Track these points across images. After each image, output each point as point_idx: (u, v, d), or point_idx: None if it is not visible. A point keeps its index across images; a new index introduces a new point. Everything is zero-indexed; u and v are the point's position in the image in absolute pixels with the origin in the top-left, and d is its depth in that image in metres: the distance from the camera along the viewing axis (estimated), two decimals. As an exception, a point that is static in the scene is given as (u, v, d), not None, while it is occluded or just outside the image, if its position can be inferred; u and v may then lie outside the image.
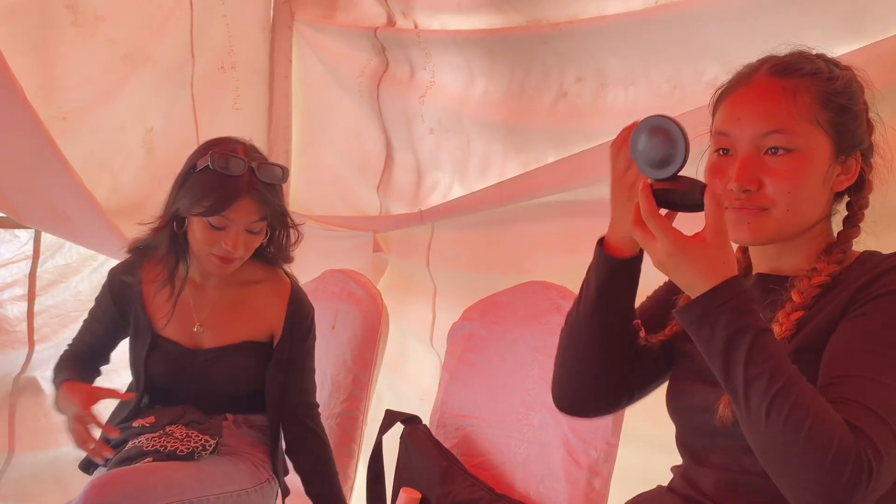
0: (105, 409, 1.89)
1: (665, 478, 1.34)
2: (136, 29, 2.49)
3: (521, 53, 2.31)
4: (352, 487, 2.23)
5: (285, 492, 1.97)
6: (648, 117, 1.08)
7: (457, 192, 2.56)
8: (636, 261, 1.23)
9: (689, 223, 1.09)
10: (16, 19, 2.24)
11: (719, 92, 1.23)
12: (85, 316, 2.00)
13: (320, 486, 1.95)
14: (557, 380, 1.36)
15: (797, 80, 1.16)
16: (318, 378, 2.31)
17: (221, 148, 1.79)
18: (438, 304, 2.64)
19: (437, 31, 2.55)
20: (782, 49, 1.21)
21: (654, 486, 1.35)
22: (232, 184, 1.74)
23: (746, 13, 1.80)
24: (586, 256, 2.08)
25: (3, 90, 2.06)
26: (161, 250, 1.86)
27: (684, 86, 1.96)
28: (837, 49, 1.31)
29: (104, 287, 1.94)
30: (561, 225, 2.22)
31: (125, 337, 1.96)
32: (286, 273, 1.99)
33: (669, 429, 1.33)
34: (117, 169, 2.40)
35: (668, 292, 1.33)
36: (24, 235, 2.39)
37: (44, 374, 2.44)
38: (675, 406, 1.27)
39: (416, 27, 2.63)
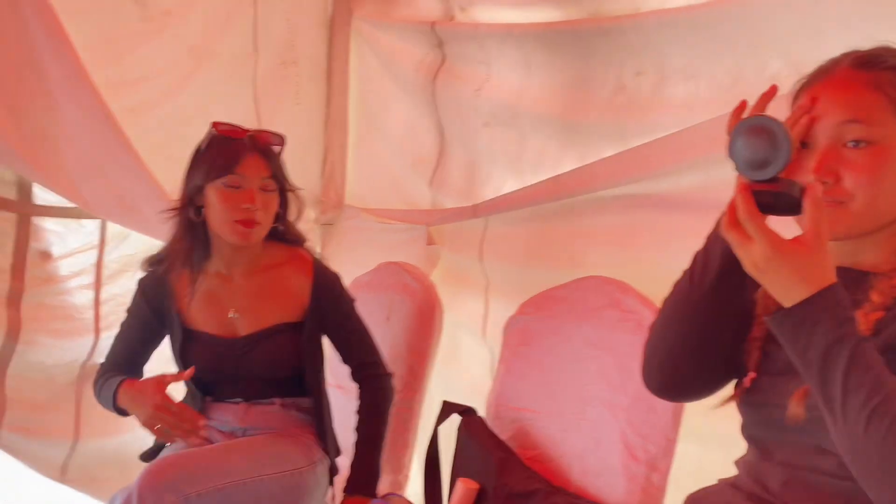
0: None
1: (718, 473, 1.32)
2: (202, 24, 2.51)
3: (579, 46, 2.29)
4: (407, 476, 2.24)
5: (334, 471, 1.99)
6: (749, 117, 1.05)
7: (510, 186, 2.54)
8: None
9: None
10: (87, 15, 2.26)
11: (800, 84, 1.21)
12: None
13: (360, 428, 1.97)
14: (658, 358, 1.29)
15: (880, 72, 1.13)
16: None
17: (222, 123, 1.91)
18: (491, 297, 2.63)
19: (495, 25, 2.53)
20: (873, 43, 1.18)
21: (709, 481, 1.32)
22: (237, 144, 1.86)
23: (811, 6, 1.75)
24: (642, 251, 2.09)
25: (75, 82, 2.11)
26: (184, 244, 1.90)
27: (746, 79, 1.90)
28: None
29: (135, 295, 1.99)
30: (616, 219, 2.19)
31: (159, 344, 2.01)
32: (306, 250, 2.02)
33: (723, 423, 1.30)
34: (182, 162, 2.43)
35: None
36: (91, 225, 2.42)
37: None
38: (748, 400, 1.24)
39: (474, 21, 2.62)
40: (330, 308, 1.98)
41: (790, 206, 1.03)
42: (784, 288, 1.02)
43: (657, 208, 2.08)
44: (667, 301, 1.29)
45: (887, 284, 1.12)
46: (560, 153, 2.39)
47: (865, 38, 1.20)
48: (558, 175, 2.32)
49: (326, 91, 2.92)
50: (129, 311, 2.00)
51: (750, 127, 1.03)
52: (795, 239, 1.01)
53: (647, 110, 2.13)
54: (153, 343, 2.01)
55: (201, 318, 1.94)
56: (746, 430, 1.27)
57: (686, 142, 1.92)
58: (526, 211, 2.46)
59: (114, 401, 1.82)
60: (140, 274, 2.00)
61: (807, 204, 1.01)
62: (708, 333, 1.24)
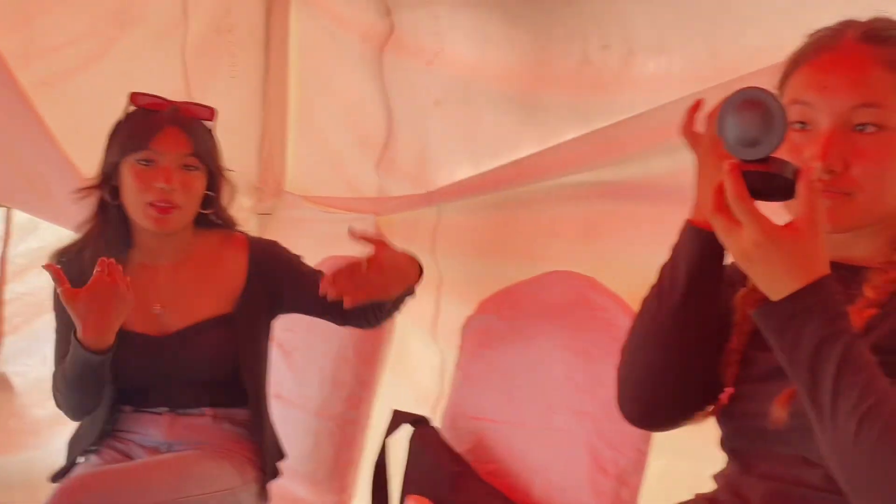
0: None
1: (691, 486, 1.33)
2: (125, -15, 2.49)
3: (540, 16, 2.29)
4: (351, 496, 2.24)
5: (264, 497, 1.97)
6: (741, 89, 1.04)
7: (465, 171, 2.55)
8: None
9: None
10: (-11, -27, 2.24)
11: (795, 57, 1.20)
12: None
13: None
14: (631, 388, 1.31)
15: (892, 48, 1.13)
16: (314, 374, 2.34)
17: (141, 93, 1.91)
18: (443, 295, 2.64)
19: (449, -9, 2.53)
20: (861, 14, 1.18)
21: (685, 495, 1.33)
22: (155, 116, 1.86)
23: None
24: (609, 243, 2.11)
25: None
26: (97, 228, 1.89)
27: (722, 52, 1.91)
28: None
29: (55, 295, 1.90)
30: (582, 208, 2.21)
31: None
32: (239, 231, 2.01)
33: (695, 434, 1.31)
34: (102, 142, 2.40)
35: (726, 281, 1.30)
36: (-7, 215, 2.40)
37: (16, 369, 2.44)
38: (728, 410, 1.25)
39: (426, -15, 2.63)
40: (276, 275, 1.96)
41: (783, 189, 1.03)
42: (773, 278, 1.02)
43: (625, 196, 2.10)
44: (635, 322, 1.29)
45: (883, 279, 1.14)
46: (518, 134, 2.40)
47: (857, 9, 1.21)
48: (518, 159, 2.33)
49: (264, 63, 2.90)
50: (58, 306, 1.90)
51: (742, 101, 1.03)
52: (788, 225, 1.01)
53: (615, 87, 2.14)
54: None
55: (129, 317, 1.88)
56: (727, 443, 1.29)
57: (657, 123, 1.93)
58: (482, 199, 2.47)
59: (83, 349, 1.74)
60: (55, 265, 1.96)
61: (801, 187, 1.01)
62: (683, 357, 1.25)
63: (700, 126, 1.22)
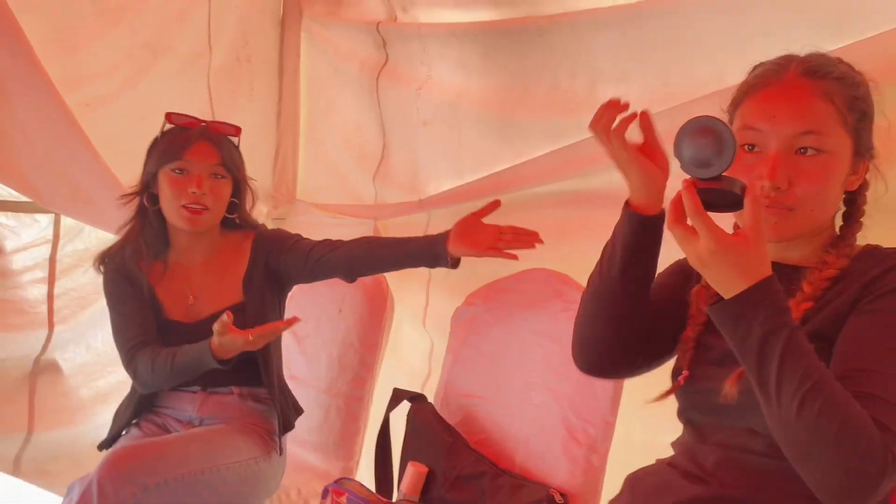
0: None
1: (660, 453, 1.36)
2: (157, 19, 2.48)
3: (515, 48, 2.31)
4: (357, 463, 2.26)
5: (280, 448, 1.98)
6: (696, 118, 1.06)
7: (449, 182, 2.57)
8: (659, 218, 1.22)
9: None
10: (40, 8, 2.22)
11: (744, 87, 1.23)
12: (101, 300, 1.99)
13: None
14: (579, 339, 1.35)
15: (829, 83, 1.16)
16: (323, 358, 2.35)
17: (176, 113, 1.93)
18: (432, 289, 2.65)
19: (437, 25, 2.55)
20: (793, 49, 1.21)
21: (648, 460, 1.36)
22: (188, 132, 1.89)
23: (736, 10, 1.80)
24: (577, 244, 2.13)
25: (29, 76, 2.07)
26: (137, 229, 1.90)
27: (674, 83, 1.96)
28: (826, 46, 1.33)
29: (112, 281, 1.92)
30: (553, 214, 2.23)
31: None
32: (252, 227, 2.02)
33: (658, 409, 1.33)
34: (136, 157, 2.39)
35: (682, 272, 1.34)
36: (44, 220, 2.38)
37: (63, 356, 2.43)
38: (686, 388, 1.28)
39: (415, 21, 2.64)
40: (272, 252, 1.97)
41: (731, 202, 1.06)
42: (725, 280, 1.05)
43: (590, 204, 2.13)
44: (584, 294, 1.33)
45: (818, 276, 1.17)
46: (497, 151, 2.42)
47: (788, 44, 1.23)
48: (497, 172, 2.36)
49: (279, 88, 2.90)
50: (115, 296, 1.92)
51: (696, 128, 1.05)
52: (736, 233, 1.04)
53: (581, 110, 2.14)
54: (156, 318, 1.94)
55: (168, 306, 1.94)
56: (684, 414, 1.31)
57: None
58: (467, 205, 2.46)
59: (213, 358, 1.74)
60: (94, 266, 1.96)
61: (747, 201, 1.04)
62: (619, 320, 1.29)
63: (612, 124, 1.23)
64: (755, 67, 1.24)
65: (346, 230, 2.80)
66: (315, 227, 2.89)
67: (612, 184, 2.04)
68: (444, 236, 1.81)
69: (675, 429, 1.35)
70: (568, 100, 2.21)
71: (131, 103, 2.44)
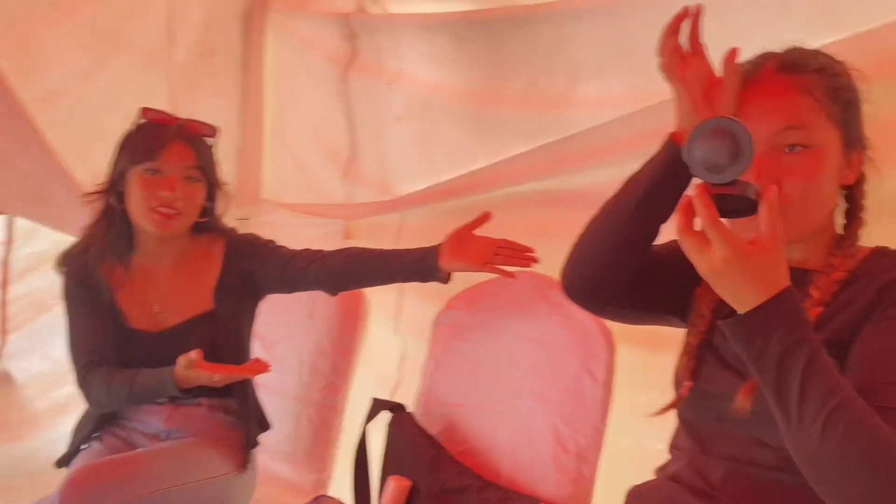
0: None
1: (648, 460, 1.32)
2: (115, 9, 2.37)
3: (490, 41, 2.25)
4: (330, 475, 2.18)
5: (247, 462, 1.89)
6: (710, 119, 1.00)
7: (422, 181, 2.49)
8: None
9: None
10: (-12, -3, 2.11)
11: None
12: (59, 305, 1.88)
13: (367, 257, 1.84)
14: (576, 260, 1.30)
15: (807, 76, 1.13)
16: (294, 365, 2.27)
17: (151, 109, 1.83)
18: (405, 291, 2.58)
19: (409, 16, 2.48)
20: (773, 46, 1.17)
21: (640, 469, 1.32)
22: (163, 130, 1.78)
23: (720, 2, 1.76)
24: (557, 246, 2.05)
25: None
26: (101, 230, 1.80)
27: (656, 79, 1.91)
28: (814, 41, 1.29)
29: (69, 287, 1.82)
30: (532, 214, 2.16)
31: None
32: (223, 231, 1.93)
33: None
34: (94, 155, 2.26)
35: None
36: (-3, 222, 2.26)
37: (18, 365, 2.31)
38: (695, 388, 1.22)
39: (386, 13, 2.57)
40: (246, 259, 1.88)
41: (746, 208, 0.99)
42: (740, 292, 0.98)
43: (571, 204, 2.05)
44: (595, 215, 1.28)
45: (825, 280, 1.12)
46: (473, 148, 2.36)
47: (775, 38, 1.19)
48: (474, 171, 2.29)
49: (242, 83, 2.81)
50: (73, 306, 1.82)
51: (711, 129, 0.98)
52: (753, 241, 0.98)
53: (560, 107, 2.11)
54: (116, 329, 1.83)
55: (131, 313, 1.83)
56: (684, 419, 1.26)
57: (599, 140, 1.92)
58: (442, 205, 2.42)
59: (174, 387, 1.66)
60: (55, 268, 1.85)
61: (763, 206, 0.98)
62: (627, 241, 1.24)
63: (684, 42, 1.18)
64: None
65: (314, 230, 2.73)
66: (282, 228, 2.81)
67: (594, 184, 2.01)
68: (435, 250, 1.72)
69: (662, 434, 1.31)
70: (546, 95, 2.15)
71: (88, 98, 2.34)
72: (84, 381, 1.76)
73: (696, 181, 1.02)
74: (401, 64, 2.52)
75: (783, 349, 0.96)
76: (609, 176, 1.95)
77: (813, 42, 1.26)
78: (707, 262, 0.98)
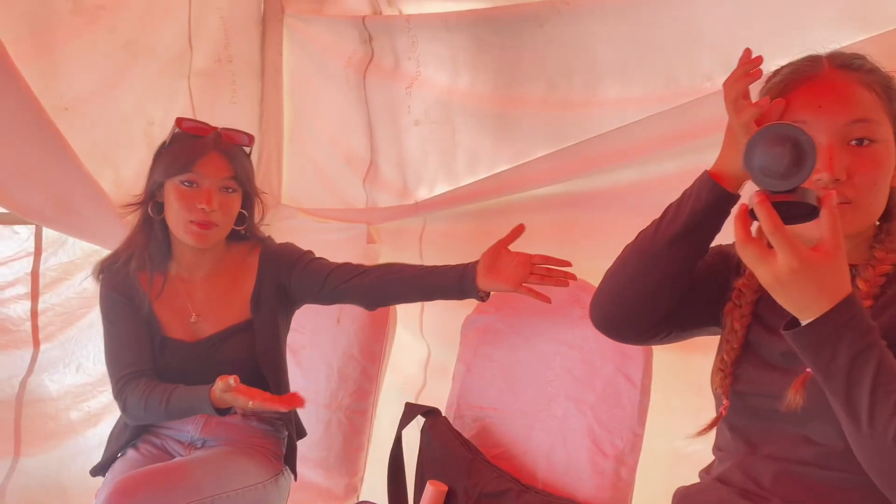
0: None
1: (683, 461, 1.31)
2: (136, 19, 2.35)
3: (510, 40, 2.22)
4: (362, 479, 2.17)
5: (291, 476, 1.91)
6: (772, 125, 0.98)
7: (443, 185, 2.48)
8: (734, 199, 1.17)
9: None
10: (13, 7, 2.08)
11: (776, 87, 1.17)
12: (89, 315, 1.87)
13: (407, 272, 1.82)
14: (606, 294, 1.29)
15: (865, 73, 1.13)
16: (322, 371, 2.26)
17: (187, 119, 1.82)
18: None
19: (425, 16, 2.44)
20: (805, 40, 1.19)
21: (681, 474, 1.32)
22: (199, 142, 1.77)
23: (748, 3, 1.74)
24: (580, 248, 2.07)
25: (3, 78, 1.92)
26: (141, 240, 1.79)
27: (679, 79, 1.88)
28: (840, 38, 1.29)
29: (108, 296, 1.81)
30: (556, 216, 2.16)
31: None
32: (260, 240, 1.92)
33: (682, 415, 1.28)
34: (119, 162, 2.27)
35: (721, 256, 1.29)
36: (25, 232, 2.23)
37: (51, 377, 2.29)
38: (738, 389, 1.22)
39: (401, 14, 2.54)
40: (282, 269, 1.86)
41: (804, 213, 0.99)
42: (805, 300, 0.98)
43: (594, 205, 2.06)
44: (627, 247, 1.27)
45: (872, 273, 1.13)
46: (494, 152, 2.34)
47: (800, 35, 1.19)
48: (495, 174, 2.27)
49: (261, 89, 2.79)
50: (111, 316, 1.80)
51: (772, 136, 0.97)
52: (816, 248, 0.97)
53: (580, 108, 2.09)
54: (153, 339, 1.82)
55: (168, 323, 1.82)
56: (732, 422, 1.25)
57: (621, 141, 1.91)
58: (463, 209, 2.41)
59: (212, 408, 1.65)
60: (90, 276, 1.84)
61: (825, 212, 0.97)
62: (663, 278, 1.23)
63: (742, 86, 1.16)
64: (780, 69, 1.20)
65: (336, 235, 2.71)
66: (303, 233, 2.79)
67: (616, 183, 2.00)
68: (473, 269, 1.71)
69: (699, 437, 1.29)
70: (566, 97, 2.13)
71: (111, 106, 2.32)
72: (121, 393, 1.75)
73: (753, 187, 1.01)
74: (418, 66, 2.49)
75: (852, 356, 0.96)
76: (631, 177, 1.97)
77: (839, 38, 1.26)
78: (771, 272, 0.98)
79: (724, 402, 1.23)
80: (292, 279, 1.86)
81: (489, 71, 2.30)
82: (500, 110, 2.29)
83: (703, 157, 1.24)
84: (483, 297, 1.73)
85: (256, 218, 1.89)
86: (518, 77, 2.23)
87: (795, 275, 0.96)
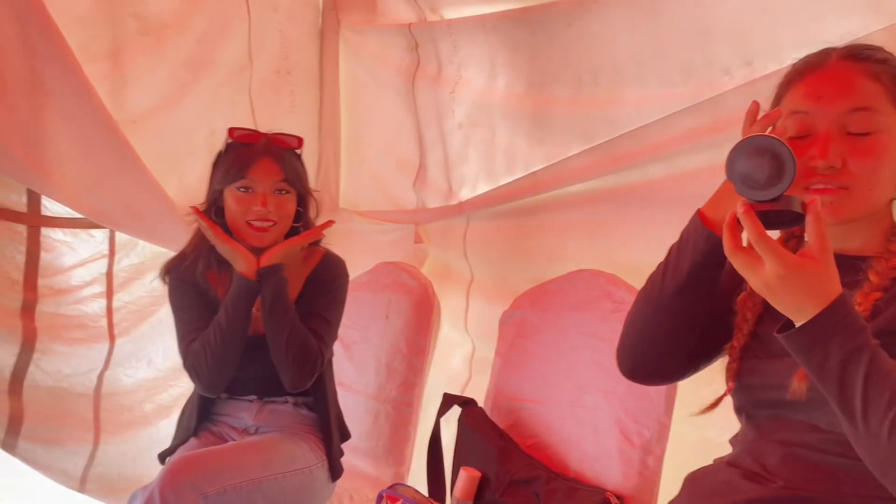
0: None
1: (714, 451, 1.33)
2: (198, 36, 2.49)
3: (541, 39, 2.26)
4: (409, 469, 2.25)
5: (336, 474, 1.97)
6: (749, 137, 1.01)
7: (484, 185, 2.54)
8: None
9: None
10: (86, 28, 2.25)
11: (786, 79, 1.20)
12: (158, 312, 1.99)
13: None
14: (627, 345, 1.32)
15: (872, 64, 1.14)
16: (372, 364, 2.35)
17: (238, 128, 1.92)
18: (473, 292, 2.64)
19: (464, 20, 2.51)
20: (824, 32, 1.20)
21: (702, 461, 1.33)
22: (251, 149, 1.87)
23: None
24: (617, 241, 2.10)
25: (79, 94, 2.09)
26: (206, 243, 1.88)
27: (697, 74, 1.89)
28: (859, 30, 1.28)
29: (178, 288, 1.91)
30: (589, 212, 2.20)
31: None
32: (322, 247, 2.01)
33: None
34: (184, 171, 2.42)
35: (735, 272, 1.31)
36: (100, 235, 2.40)
37: (126, 371, 2.45)
38: (745, 382, 1.24)
39: (444, 19, 2.60)
40: (315, 294, 1.94)
41: (791, 220, 1.01)
42: (795, 304, 1.00)
43: (626, 199, 2.09)
44: (640, 292, 1.29)
45: (885, 266, 1.13)
46: (529, 151, 2.39)
47: (820, 28, 1.19)
48: (533, 173, 2.32)
49: (319, 98, 2.90)
50: (181, 300, 1.91)
51: (751, 147, 0.99)
52: (802, 254, 0.99)
53: (607, 106, 2.12)
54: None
55: None
56: (742, 411, 1.28)
57: (648, 138, 1.94)
58: (503, 207, 2.47)
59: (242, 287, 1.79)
60: (156, 277, 1.95)
61: (810, 218, 0.99)
62: (676, 327, 1.25)
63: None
64: (796, 63, 1.22)
65: (386, 236, 2.80)
66: (356, 235, 2.90)
67: (645, 179, 2.03)
68: None
69: (726, 424, 1.33)
70: (593, 95, 2.16)
71: (176, 118, 2.46)
72: (187, 357, 1.84)
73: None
74: (459, 70, 2.56)
75: (843, 357, 0.97)
76: (660, 172, 1.99)
77: (858, 29, 1.25)
78: (760, 279, 1.00)
79: (729, 384, 1.26)
80: (311, 294, 1.94)
81: (523, 71, 2.36)
82: (534, 110, 2.35)
83: (727, 150, 1.26)
84: None
85: (311, 216, 1.98)
86: (549, 76, 2.28)
87: (783, 280, 0.98)
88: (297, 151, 1.95)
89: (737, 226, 1.01)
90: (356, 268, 2.48)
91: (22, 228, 2.26)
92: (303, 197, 1.94)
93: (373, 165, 2.97)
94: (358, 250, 2.78)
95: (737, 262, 1.02)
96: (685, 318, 1.25)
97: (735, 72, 1.78)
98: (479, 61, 2.47)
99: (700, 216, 1.21)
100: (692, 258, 1.20)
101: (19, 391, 2.26)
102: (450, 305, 2.60)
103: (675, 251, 1.24)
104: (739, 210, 0.99)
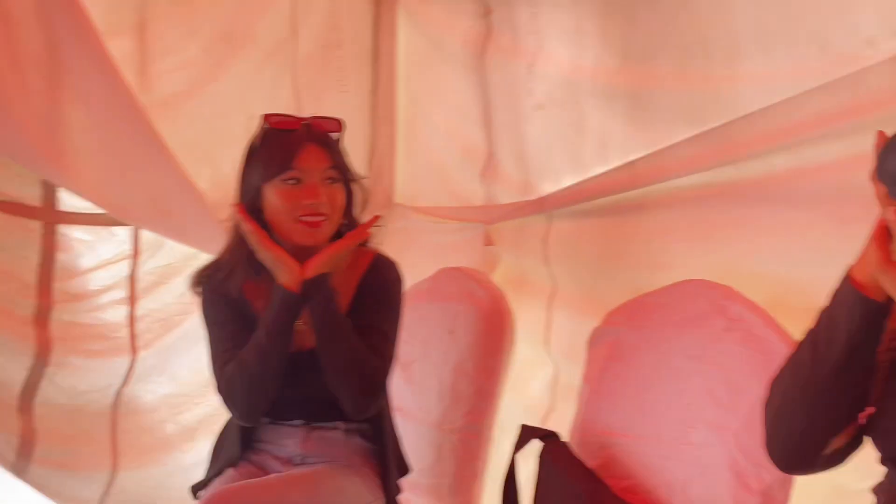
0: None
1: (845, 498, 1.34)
2: (235, 6, 2.52)
3: (641, 4, 2.23)
4: (479, 510, 2.21)
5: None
6: None
7: (569, 178, 2.50)
8: (892, 307, 1.13)
9: None
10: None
11: None
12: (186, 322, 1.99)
13: None
14: (779, 441, 1.30)
15: None
16: (435, 387, 2.32)
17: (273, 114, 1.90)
18: (555, 304, 2.60)
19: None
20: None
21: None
22: (293, 136, 1.84)
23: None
24: (730, 246, 2.04)
25: (101, 72, 2.10)
26: (244, 251, 1.85)
27: (834, 45, 1.82)
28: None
29: (210, 301, 1.90)
30: (699, 211, 2.14)
31: None
32: (370, 248, 1.98)
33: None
34: (219, 160, 2.43)
35: None
36: (122, 233, 2.42)
37: (146, 387, 2.47)
38: (885, 427, 1.22)
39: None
40: (369, 304, 1.91)
41: None
42: None
43: (744, 198, 2.03)
44: (788, 369, 1.27)
45: None
46: (626, 136, 2.35)
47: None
48: (629, 162, 2.27)
49: (372, 76, 2.89)
50: (217, 316, 1.90)
51: None
52: None
53: (722, 83, 2.07)
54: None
55: None
56: (885, 456, 1.25)
57: (772, 121, 1.87)
58: (593, 204, 2.42)
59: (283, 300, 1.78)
60: (190, 288, 1.95)
61: None
62: (835, 419, 1.23)
63: None
64: None
65: (451, 237, 2.78)
66: (414, 235, 2.88)
67: (769, 172, 1.96)
68: None
69: (865, 468, 1.30)
70: (706, 71, 2.11)
71: (210, 100, 2.49)
72: (222, 378, 1.82)
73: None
74: (540, 41, 2.54)
75: None
76: (786, 163, 1.92)
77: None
78: None
79: (868, 408, 1.23)
80: (367, 304, 1.91)
81: (618, 42, 2.32)
82: (632, 88, 2.31)
83: (871, 138, 1.19)
84: None
85: (359, 209, 1.95)
86: (650, 48, 2.24)
87: None
88: (336, 135, 1.92)
89: (886, 235, 0.99)
90: (414, 273, 2.45)
91: (36, 225, 2.29)
92: (349, 186, 1.92)
93: (434, 154, 2.96)
94: (416, 253, 2.77)
95: (887, 280, 1.00)
96: (847, 398, 1.21)
97: (881, 43, 1.71)
98: (564, 30, 2.44)
99: (850, 279, 1.16)
100: (848, 330, 1.16)
101: (30, 409, 2.28)
102: (527, 320, 2.54)
103: (826, 317, 1.20)
104: (890, 217, 0.97)
